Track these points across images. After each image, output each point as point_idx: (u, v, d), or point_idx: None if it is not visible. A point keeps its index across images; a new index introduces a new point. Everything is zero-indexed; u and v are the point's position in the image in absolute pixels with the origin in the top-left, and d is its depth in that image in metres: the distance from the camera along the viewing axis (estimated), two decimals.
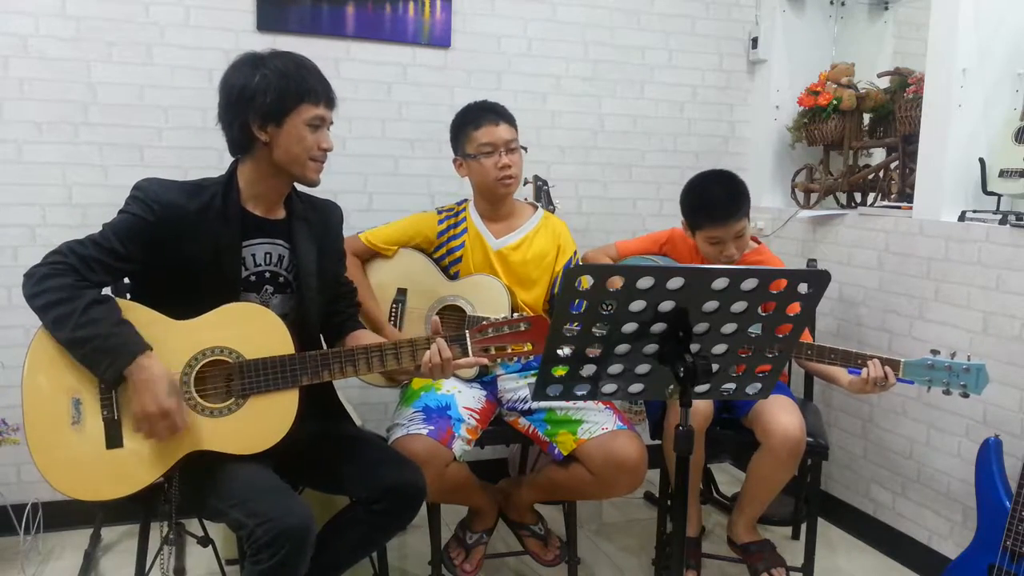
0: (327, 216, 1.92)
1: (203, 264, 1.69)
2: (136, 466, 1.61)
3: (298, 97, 1.69)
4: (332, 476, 1.83)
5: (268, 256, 1.79)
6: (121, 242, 1.64)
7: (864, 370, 2.01)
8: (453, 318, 2.26)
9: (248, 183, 1.76)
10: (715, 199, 2.24)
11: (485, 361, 1.78)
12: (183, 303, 1.66)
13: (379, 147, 2.91)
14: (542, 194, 2.63)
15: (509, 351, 1.78)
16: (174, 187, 1.71)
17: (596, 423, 2.07)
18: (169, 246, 1.66)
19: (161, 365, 1.59)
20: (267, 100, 1.67)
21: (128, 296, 1.77)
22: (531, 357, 1.81)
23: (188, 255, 1.68)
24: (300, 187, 1.85)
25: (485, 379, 2.26)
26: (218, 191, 1.73)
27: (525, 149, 2.29)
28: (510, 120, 2.26)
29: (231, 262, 1.73)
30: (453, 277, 2.30)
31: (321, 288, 1.86)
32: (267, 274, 1.79)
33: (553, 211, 2.57)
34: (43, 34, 2.51)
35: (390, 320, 2.32)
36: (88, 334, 1.55)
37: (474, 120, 2.23)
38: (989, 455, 2.12)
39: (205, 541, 1.89)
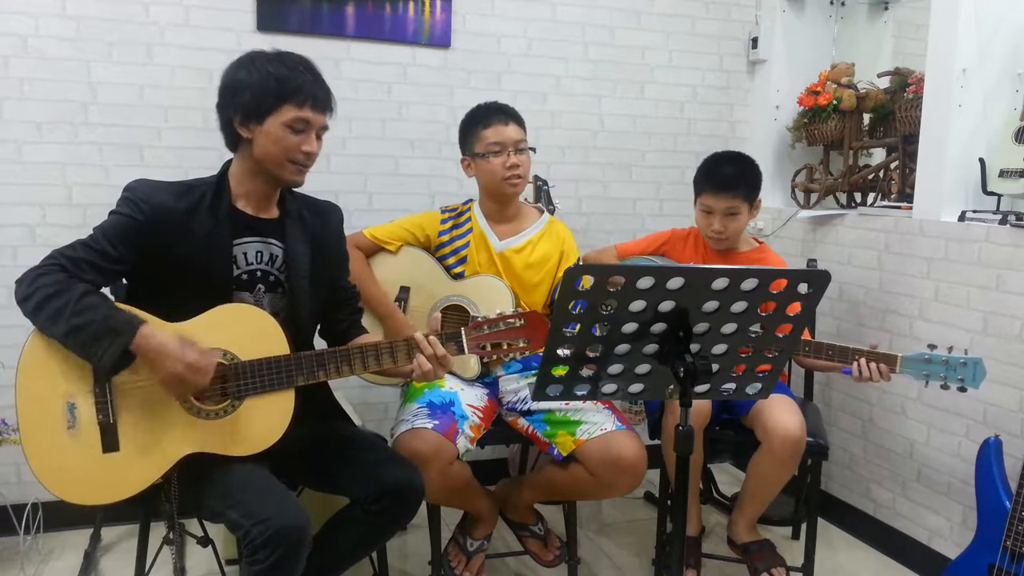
0: (326, 218, 1.91)
1: (194, 263, 1.68)
2: (133, 470, 1.61)
3: (279, 98, 1.68)
4: (330, 476, 1.83)
5: (260, 255, 1.79)
6: (111, 243, 1.63)
7: (854, 365, 2.06)
8: (456, 318, 2.26)
9: (236, 180, 1.77)
10: (720, 169, 2.36)
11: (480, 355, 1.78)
12: (177, 302, 1.65)
13: (379, 147, 2.91)
14: (542, 194, 2.63)
15: (505, 348, 1.77)
16: (164, 187, 1.70)
17: (595, 423, 2.07)
18: (159, 246, 1.66)
19: (163, 331, 1.58)
20: (247, 98, 1.67)
21: (125, 298, 1.76)
22: (527, 354, 1.81)
23: (179, 254, 1.67)
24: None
25: (487, 380, 2.26)
26: (208, 190, 1.73)
27: (534, 150, 2.31)
28: (519, 121, 2.28)
29: (221, 260, 1.73)
30: (457, 277, 2.30)
31: (314, 290, 1.84)
32: (259, 273, 1.78)
33: (553, 211, 2.57)
34: (43, 34, 2.51)
35: None
36: (85, 320, 1.54)
37: (484, 119, 2.25)
38: (989, 455, 2.12)
39: (205, 541, 1.90)
